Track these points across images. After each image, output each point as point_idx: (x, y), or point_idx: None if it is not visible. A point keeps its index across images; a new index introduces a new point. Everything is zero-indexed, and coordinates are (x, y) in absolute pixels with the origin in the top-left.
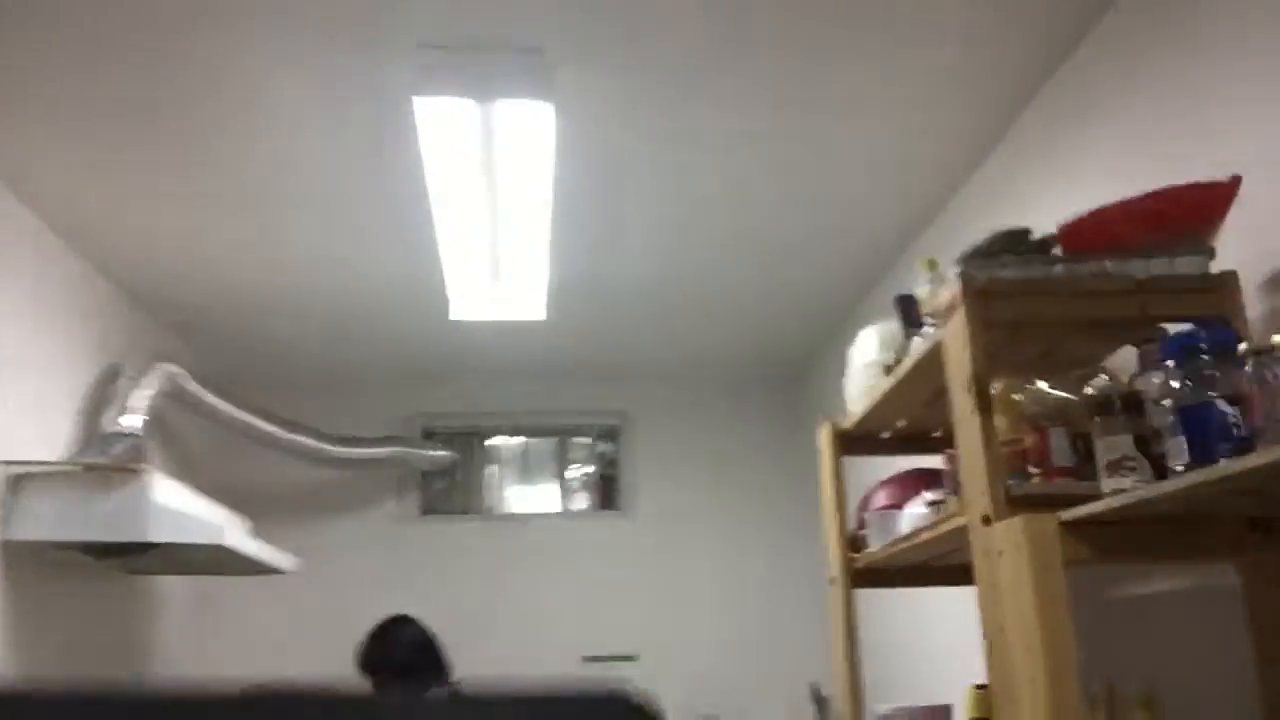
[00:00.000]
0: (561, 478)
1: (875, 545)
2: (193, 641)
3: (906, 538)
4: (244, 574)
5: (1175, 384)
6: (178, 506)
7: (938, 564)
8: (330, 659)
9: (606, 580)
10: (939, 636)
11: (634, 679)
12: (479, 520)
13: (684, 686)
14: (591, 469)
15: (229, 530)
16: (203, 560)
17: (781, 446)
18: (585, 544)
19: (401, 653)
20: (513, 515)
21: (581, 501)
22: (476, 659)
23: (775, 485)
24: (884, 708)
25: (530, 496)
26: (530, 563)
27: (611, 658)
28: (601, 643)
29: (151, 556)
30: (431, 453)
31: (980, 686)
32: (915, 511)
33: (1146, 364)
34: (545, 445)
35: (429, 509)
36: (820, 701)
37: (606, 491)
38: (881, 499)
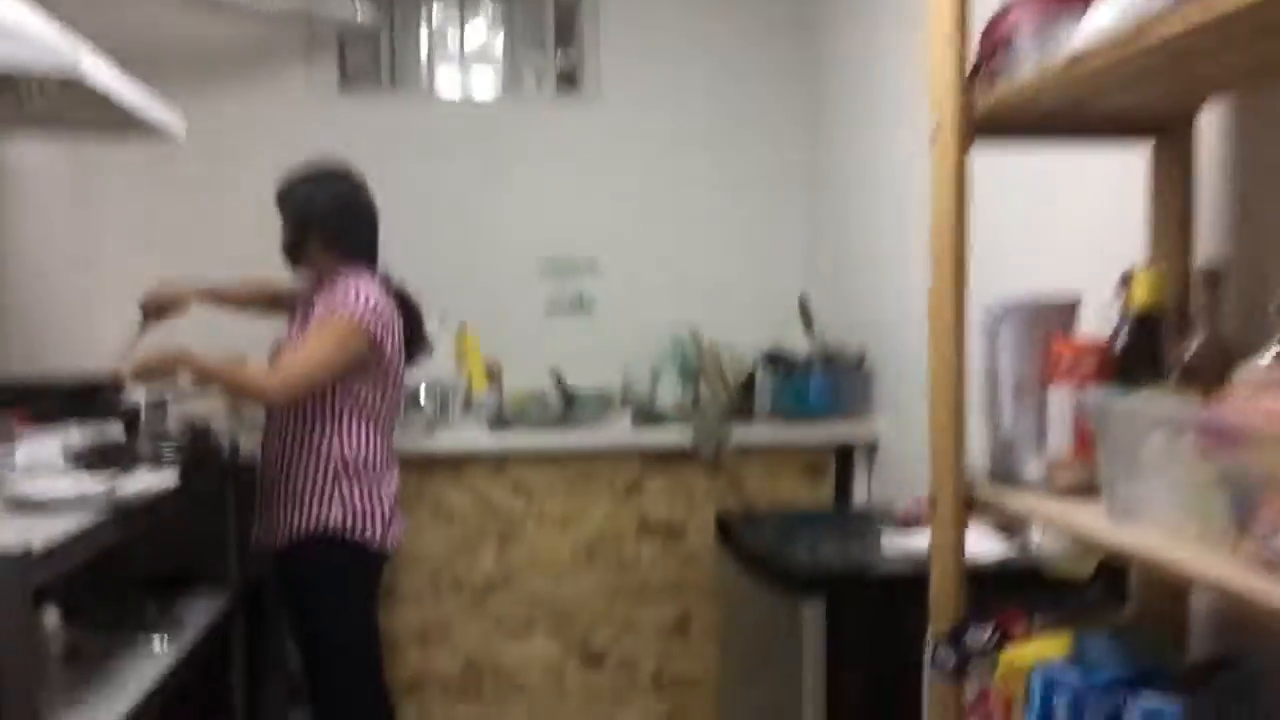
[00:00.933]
0: (512, 51)
1: (1026, 71)
2: (69, 219)
3: (1110, 42)
4: (117, 135)
5: None
6: (12, 20)
7: (1090, 111)
8: (227, 250)
9: (566, 177)
10: (1054, 215)
11: (599, 288)
12: (411, 101)
13: (657, 296)
14: (550, 43)
15: (87, 60)
16: (58, 107)
17: (788, 26)
18: (541, 134)
19: (341, 207)
20: (452, 97)
21: (538, 83)
22: (420, 259)
23: (772, 73)
24: (994, 302)
25: (474, 74)
26: (475, 152)
27: (572, 262)
28: (562, 246)
29: None
30: (352, 8)
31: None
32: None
33: None
34: (494, 8)
35: (349, 83)
36: (807, 314)
37: (568, 72)
38: (1026, 22)
